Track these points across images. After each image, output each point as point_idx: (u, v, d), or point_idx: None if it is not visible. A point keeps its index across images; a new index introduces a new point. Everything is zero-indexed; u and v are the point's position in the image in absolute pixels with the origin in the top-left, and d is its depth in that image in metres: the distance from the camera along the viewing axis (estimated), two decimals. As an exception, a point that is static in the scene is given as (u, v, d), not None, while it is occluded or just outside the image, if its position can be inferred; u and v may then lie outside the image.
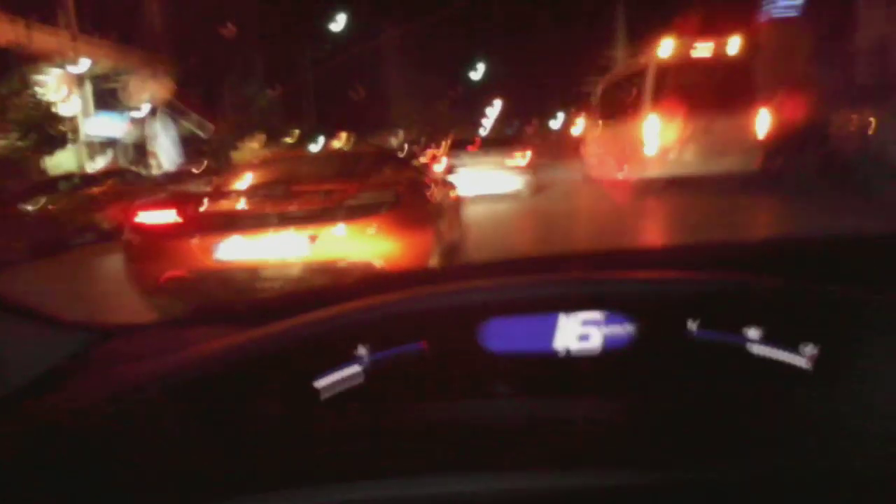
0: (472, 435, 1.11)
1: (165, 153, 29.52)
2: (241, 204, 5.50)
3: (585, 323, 1.14)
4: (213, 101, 35.62)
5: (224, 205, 5.54)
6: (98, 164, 27.44)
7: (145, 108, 27.94)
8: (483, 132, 72.09)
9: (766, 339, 1.10)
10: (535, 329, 1.15)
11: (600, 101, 20.03)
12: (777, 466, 0.98)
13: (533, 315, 1.15)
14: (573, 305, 1.15)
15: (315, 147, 47.68)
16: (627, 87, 16.95)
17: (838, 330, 1.10)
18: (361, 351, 1.15)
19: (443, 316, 1.17)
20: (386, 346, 1.15)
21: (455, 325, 1.16)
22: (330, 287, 1.76)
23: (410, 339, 1.15)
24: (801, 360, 1.09)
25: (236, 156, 39.51)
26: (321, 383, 1.14)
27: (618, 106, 17.35)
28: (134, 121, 28.34)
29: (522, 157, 16.99)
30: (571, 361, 1.15)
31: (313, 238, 5.03)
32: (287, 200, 5.22)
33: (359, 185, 5.53)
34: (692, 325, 1.12)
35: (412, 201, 5.71)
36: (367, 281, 1.77)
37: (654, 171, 15.11)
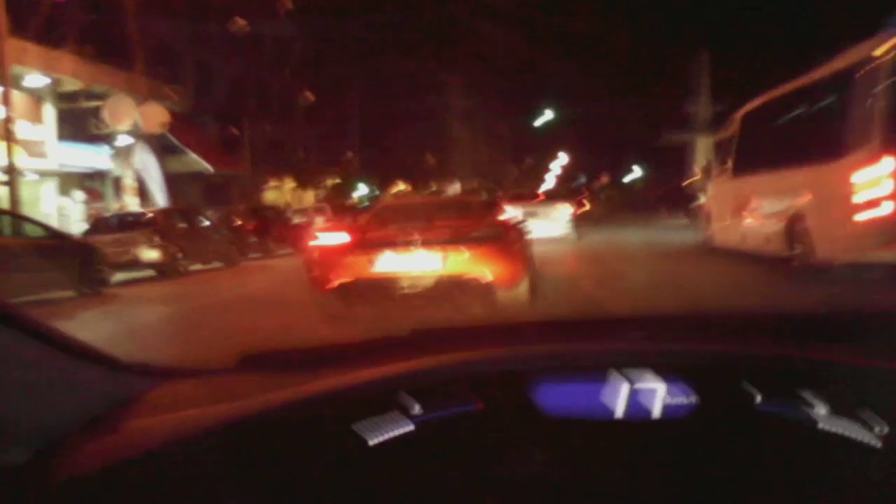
0: (523, 500, 1.09)
1: (155, 189, 23.47)
2: (391, 230, 7.41)
3: (646, 390, 1.09)
4: (230, 136, 29.70)
5: (378, 231, 7.56)
6: (75, 199, 21.76)
7: (125, 139, 21.92)
8: (548, 183, 68.41)
9: (834, 415, 1.04)
10: (593, 393, 1.10)
11: (742, 137, 12.72)
12: None
13: (592, 380, 1.10)
14: (634, 372, 1.10)
15: (359, 195, 41.63)
16: (812, 110, 9.83)
17: None
18: (416, 409, 1.09)
19: (499, 376, 1.13)
20: (440, 405, 1.10)
21: (511, 386, 1.11)
22: (382, 340, 1.45)
23: (466, 398, 1.11)
24: (871, 437, 1.02)
25: (268, 195, 33.76)
26: (373, 439, 1.08)
27: (788, 142, 10.24)
28: (117, 151, 22.36)
29: (572, 208, 20.46)
30: (629, 428, 1.09)
31: (444, 257, 7.00)
32: (424, 229, 7.14)
33: (475, 221, 7.76)
34: (757, 397, 1.06)
35: (512, 236, 7.67)
36: (423, 336, 1.42)
37: (879, 252, 7.90)
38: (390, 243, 7.08)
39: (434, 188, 59.02)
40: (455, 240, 7.08)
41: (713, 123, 55.62)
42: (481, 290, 7.08)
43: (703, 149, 56.78)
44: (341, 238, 7.40)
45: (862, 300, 5.55)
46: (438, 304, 7.02)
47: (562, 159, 73.93)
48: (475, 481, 1.10)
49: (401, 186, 60.30)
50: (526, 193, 22.48)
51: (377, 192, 46.94)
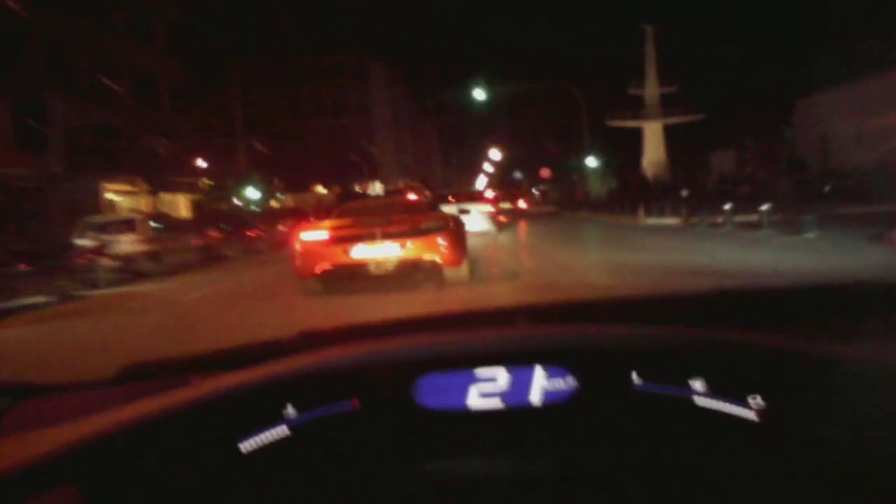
0: (405, 498, 1.05)
1: None
2: (360, 226, 8.77)
3: (524, 377, 1.05)
4: (30, 124, 20.05)
5: (350, 227, 8.89)
6: None
7: None
8: (480, 182, 61.20)
9: (712, 392, 1.03)
10: (472, 384, 1.05)
11: None
12: None
13: (471, 370, 1.05)
14: (511, 359, 1.06)
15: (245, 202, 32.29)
16: None
17: (784, 381, 1.03)
18: (290, 410, 1.03)
19: (375, 372, 1.08)
20: (315, 404, 1.04)
21: (388, 382, 1.06)
22: (264, 343, 1.33)
23: (341, 396, 1.05)
24: (747, 411, 1.02)
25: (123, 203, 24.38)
26: (247, 446, 1.02)
27: None
28: None
29: (492, 207, 21.54)
30: (510, 417, 1.05)
31: (402, 245, 8.52)
32: (386, 224, 8.64)
33: (426, 216, 9.34)
34: (635, 378, 1.04)
35: (455, 227, 9.14)
36: (302, 336, 1.33)
37: None
38: (359, 236, 8.56)
39: (358, 189, 51.61)
40: (410, 231, 8.59)
41: (663, 106, 48.64)
42: (433, 270, 8.80)
43: (652, 135, 49.67)
44: (320, 235, 8.80)
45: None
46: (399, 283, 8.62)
47: (494, 156, 66.04)
48: (353, 482, 1.05)
49: (320, 189, 52.21)
50: (451, 194, 22.76)
51: (277, 196, 37.72)
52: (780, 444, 1.00)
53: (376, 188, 52.51)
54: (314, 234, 8.85)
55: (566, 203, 41.31)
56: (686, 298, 1.52)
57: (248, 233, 20.31)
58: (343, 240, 8.58)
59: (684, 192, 21.55)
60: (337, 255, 8.54)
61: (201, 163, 30.52)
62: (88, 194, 22.83)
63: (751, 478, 0.99)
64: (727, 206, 15.45)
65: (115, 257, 13.26)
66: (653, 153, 46.83)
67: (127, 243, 13.98)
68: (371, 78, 63.22)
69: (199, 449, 1.00)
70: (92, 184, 22.40)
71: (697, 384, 1.02)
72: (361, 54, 60.93)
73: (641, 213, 21.54)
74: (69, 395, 1.26)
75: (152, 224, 16.10)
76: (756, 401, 1.00)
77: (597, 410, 1.04)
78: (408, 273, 8.76)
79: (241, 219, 22.29)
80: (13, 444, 1.00)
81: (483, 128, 61.01)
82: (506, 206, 33.35)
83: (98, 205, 23.53)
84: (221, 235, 18.05)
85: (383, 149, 63.27)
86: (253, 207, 29.67)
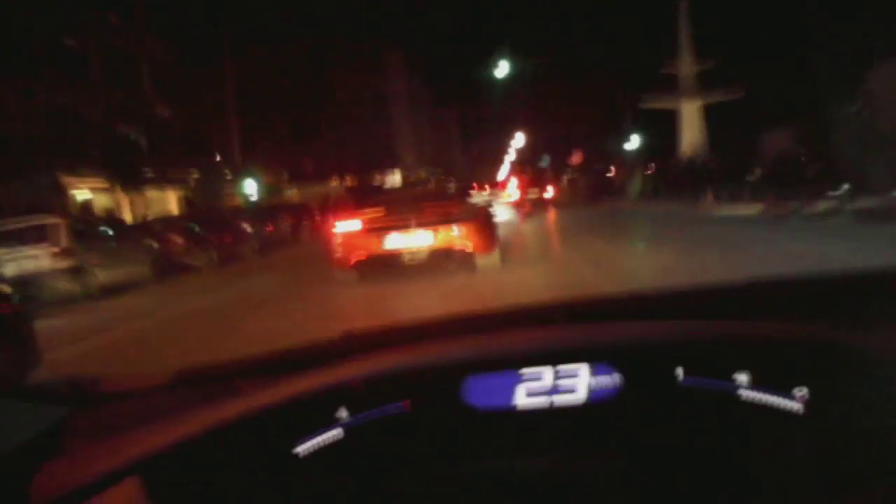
0: (456, 498, 1.05)
1: None
2: (393, 216, 8.98)
3: (570, 375, 1.05)
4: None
5: (384, 217, 9.03)
6: None
7: None
8: (506, 167, 57.86)
9: (756, 384, 1.02)
10: (519, 383, 1.05)
11: None
12: None
13: (517, 369, 1.06)
14: (557, 358, 1.06)
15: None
16: None
17: (828, 372, 1.02)
18: (342, 413, 1.04)
19: (424, 374, 1.09)
20: (367, 407, 1.05)
21: (437, 384, 1.07)
22: (312, 346, 1.33)
23: (392, 399, 1.06)
24: (792, 403, 1.00)
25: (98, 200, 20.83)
26: (302, 449, 1.03)
27: None
28: None
29: (516, 196, 22.17)
30: (557, 415, 1.05)
31: (435, 235, 8.76)
32: (418, 214, 8.85)
33: (457, 205, 9.57)
34: (679, 373, 1.04)
35: (486, 215, 9.64)
36: (355, 339, 1.32)
37: None
38: (393, 226, 8.79)
39: (378, 181, 48.40)
40: (442, 220, 8.78)
41: (700, 84, 44.11)
42: (465, 258, 8.96)
43: (690, 116, 45.20)
44: (356, 225, 8.95)
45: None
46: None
47: (518, 142, 62.07)
48: (405, 483, 1.05)
49: (334, 184, 48.92)
50: (474, 183, 22.13)
51: (285, 191, 34.12)
52: (826, 435, 0.99)
53: (395, 178, 49.02)
54: (350, 225, 9.09)
55: (599, 190, 37.12)
56: (724, 290, 1.43)
57: (229, 235, 16.61)
58: (378, 230, 8.85)
59: (756, 172, 17.35)
60: (372, 245, 8.85)
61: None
62: (49, 192, 19.29)
63: (796, 469, 0.98)
64: (840, 189, 11.39)
65: (14, 279, 9.58)
66: (691, 135, 42.46)
67: (39, 258, 10.30)
68: (388, 67, 59.84)
69: (258, 453, 1.00)
70: (48, 179, 18.81)
71: (742, 377, 1.01)
72: (376, 42, 57.37)
73: (710, 199, 17.37)
74: (128, 401, 1.23)
75: (107, 231, 12.54)
76: (801, 392, 0.99)
77: (643, 407, 1.03)
78: (440, 261, 8.99)
79: (222, 218, 18.53)
80: (80, 453, 0.98)
81: (505, 114, 57.10)
82: (532, 195, 30.39)
83: (65, 204, 20.05)
84: (185, 240, 14.29)
85: (402, 139, 59.85)
86: (251, 203, 26.02)
